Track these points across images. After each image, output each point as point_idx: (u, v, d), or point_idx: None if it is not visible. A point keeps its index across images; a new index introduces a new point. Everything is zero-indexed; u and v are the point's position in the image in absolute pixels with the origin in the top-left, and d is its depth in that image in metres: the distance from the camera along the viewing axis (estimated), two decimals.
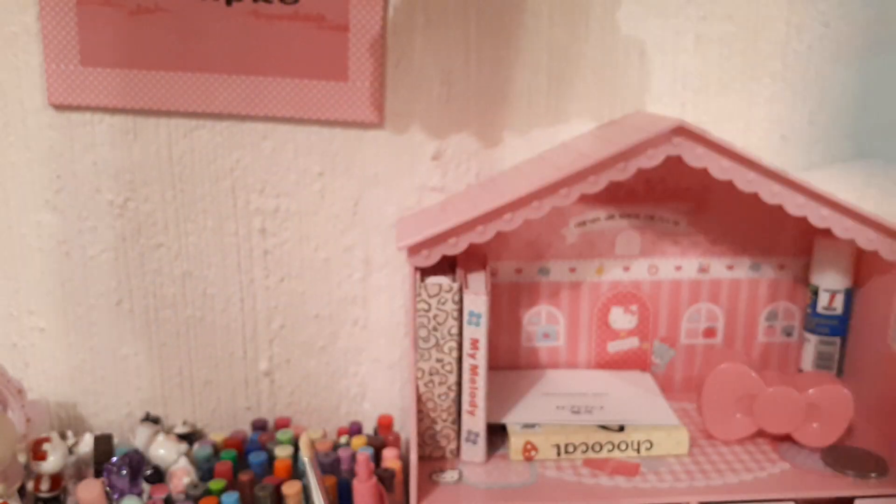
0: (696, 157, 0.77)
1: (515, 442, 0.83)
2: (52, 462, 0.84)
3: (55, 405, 0.99)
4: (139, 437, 0.89)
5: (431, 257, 0.78)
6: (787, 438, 0.86)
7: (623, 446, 0.83)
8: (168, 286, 0.96)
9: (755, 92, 0.93)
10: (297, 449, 0.87)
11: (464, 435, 0.82)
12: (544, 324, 0.96)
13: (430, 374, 0.81)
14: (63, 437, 0.89)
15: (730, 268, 0.96)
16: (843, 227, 0.80)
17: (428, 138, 0.93)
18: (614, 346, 0.97)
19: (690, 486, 0.78)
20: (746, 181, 0.78)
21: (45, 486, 0.84)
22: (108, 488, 0.79)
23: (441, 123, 0.92)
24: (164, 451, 0.87)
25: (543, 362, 0.97)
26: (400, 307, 0.97)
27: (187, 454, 0.88)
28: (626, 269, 0.95)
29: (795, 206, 0.79)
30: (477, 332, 0.78)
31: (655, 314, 0.97)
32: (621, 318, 0.96)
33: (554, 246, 0.94)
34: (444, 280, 0.79)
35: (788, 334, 0.98)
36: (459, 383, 0.81)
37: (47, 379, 0.98)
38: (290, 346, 0.98)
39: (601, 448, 0.83)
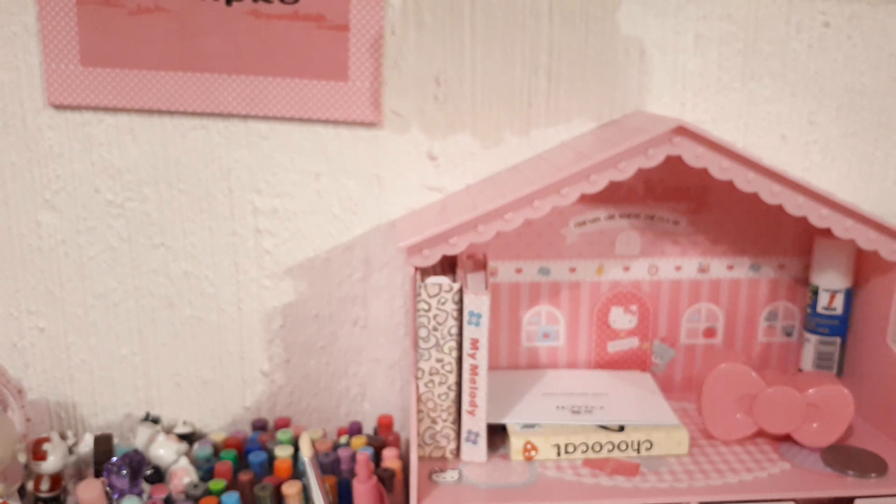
0: (696, 157, 0.77)
1: (515, 442, 0.83)
2: (52, 462, 0.84)
3: (55, 405, 0.99)
4: (139, 437, 0.89)
5: (431, 257, 0.78)
6: (787, 438, 0.86)
7: (623, 446, 0.83)
8: (167, 286, 0.96)
9: (755, 92, 0.93)
10: (297, 449, 0.87)
11: (464, 435, 0.82)
12: (544, 324, 0.96)
13: (430, 374, 0.81)
14: (63, 437, 0.89)
15: (730, 268, 0.96)
16: (843, 227, 0.80)
17: (427, 138, 0.93)
18: (614, 346, 0.97)
19: (690, 486, 0.78)
20: (746, 181, 0.78)
21: (45, 486, 0.84)
22: (108, 488, 0.79)
23: (440, 123, 0.92)
24: (164, 451, 0.87)
25: (543, 362, 0.97)
26: (400, 307, 0.97)
27: (187, 454, 0.88)
28: (626, 269, 0.95)
29: (795, 206, 0.79)
30: (477, 332, 0.78)
31: (655, 314, 0.97)
32: (621, 318, 0.96)
33: (554, 246, 0.94)
34: (444, 280, 0.79)
35: (788, 334, 0.98)
36: (459, 383, 0.81)
37: (47, 379, 0.98)
38: (289, 346, 0.98)
39: (601, 448, 0.83)
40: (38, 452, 0.84)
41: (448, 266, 0.87)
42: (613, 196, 0.93)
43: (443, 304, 0.79)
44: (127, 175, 0.93)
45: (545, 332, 0.96)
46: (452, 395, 0.82)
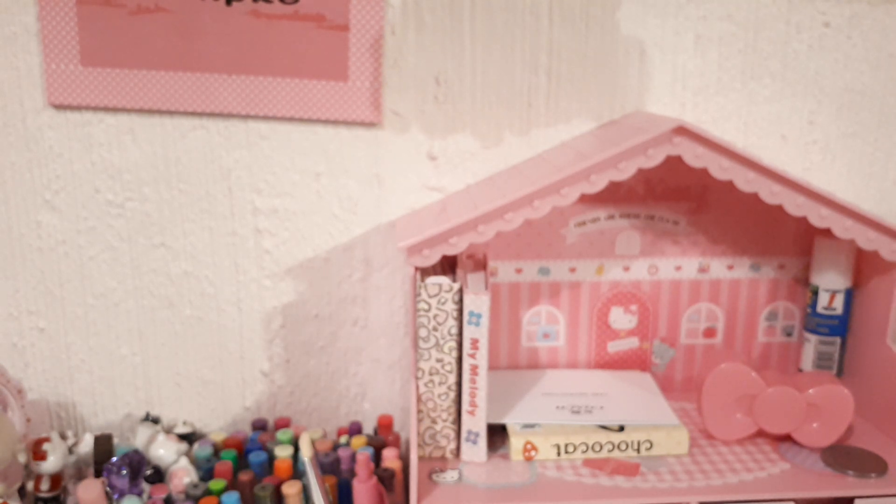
0: (696, 157, 0.77)
1: (515, 442, 0.83)
2: (52, 462, 0.84)
3: (55, 405, 0.99)
4: (139, 437, 0.89)
5: (431, 257, 0.78)
6: (787, 438, 0.86)
7: (623, 446, 0.83)
8: (167, 286, 0.96)
9: (755, 92, 0.93)
10: (297, 449, 0.87)
11: (464, 435, 0.82)
12: (544, 324, 0.96)
13: (430, 374, 0.81)
14: (63, 437, 0.89)
15: (730, 268, 0.96)
16: (843, 227, 0.80)
17: (427, 138, 0.93)
18: (614, 346, 0.97)
19: (690, 486, 0.78)
20: (746, 181, 0.78)
21: (45, 486, 0.84)
22: (108, 488, 0.79)
23: (440, 123, 0.92)
24: (164, 451, 0.87)
25: (543, 362, 0.97)
26: (400, 307, 0.97)
27: (187, 454, 0.88)
28: (626, 269, 0.95)
29: (795, 206, 0.79)
30: (477, 332, 0.78)
31: (655, 314, 0.97)
32: (621, 318, 0.96)
33: (554, 246, 0.94)
34: (444, 280, 0.79)
35: (788, 334, 0.98)
36: (459, 383, 0.81)
37: (47, 379, 0.98)
38: (289, 346, 0.98)
39: (601, 448, 0.83)
40: (38, 452, 0.84)
41: (448, 266, 0.87)
42: (613, 196, 0.93)
43: (443, 304, 0.79)
44: (127, 175, 0.93)
45: (545, 332, 0.96)
46: (452, 395, 0.82)
